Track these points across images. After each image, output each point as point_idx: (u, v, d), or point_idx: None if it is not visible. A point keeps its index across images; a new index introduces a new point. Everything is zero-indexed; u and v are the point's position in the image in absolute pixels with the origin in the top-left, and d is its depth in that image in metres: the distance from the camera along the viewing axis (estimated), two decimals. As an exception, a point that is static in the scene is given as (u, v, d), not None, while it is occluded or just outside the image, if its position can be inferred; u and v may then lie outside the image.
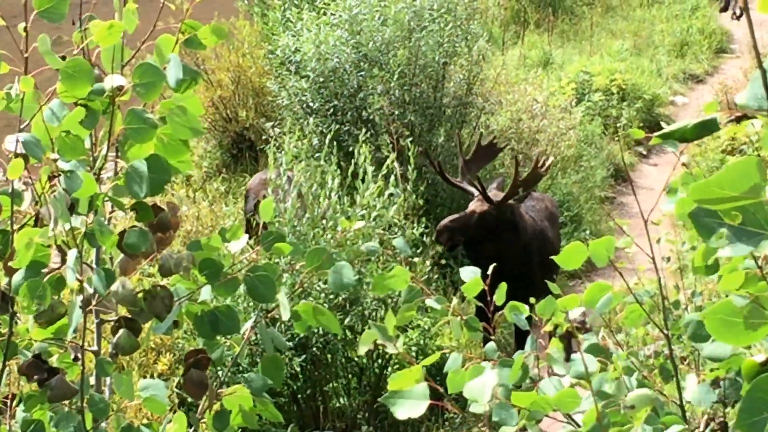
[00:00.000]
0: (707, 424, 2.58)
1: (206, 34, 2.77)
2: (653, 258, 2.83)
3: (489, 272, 2.84)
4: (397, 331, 2.65)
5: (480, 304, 2.81)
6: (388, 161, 8.42)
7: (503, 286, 2.77)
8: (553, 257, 2.75)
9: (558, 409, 2.42)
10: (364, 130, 10.29)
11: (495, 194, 7.68)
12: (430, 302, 2.81)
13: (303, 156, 8.32)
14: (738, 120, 1.91)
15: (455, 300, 2.84)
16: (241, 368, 6.61)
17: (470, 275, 2.79)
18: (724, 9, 22.69)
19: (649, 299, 2.94)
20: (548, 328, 2.63)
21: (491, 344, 2.75)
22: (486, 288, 2.78)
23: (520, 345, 7.01)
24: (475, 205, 7.65)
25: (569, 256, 2.62)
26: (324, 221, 7.72)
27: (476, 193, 7.74)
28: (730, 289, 2.07)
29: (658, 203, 2.81)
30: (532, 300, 2.72)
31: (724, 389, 2.64)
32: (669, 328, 2.84)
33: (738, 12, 22.47)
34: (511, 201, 7.57)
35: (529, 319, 2.82)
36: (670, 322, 2.90)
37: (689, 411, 2.78)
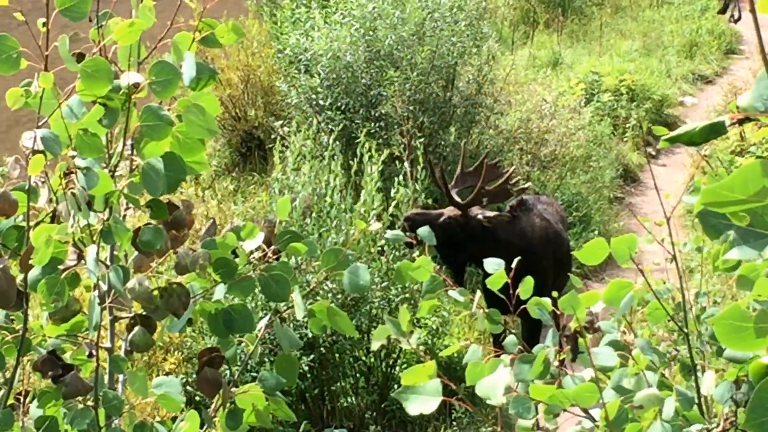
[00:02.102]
0: (727, 422, 2.58)
1: (224, 32, 2.77)
2: (674, 256, 2.84)
3: (513, 266, 2.86)
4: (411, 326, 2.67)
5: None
6: (387, 153, 8.42)
7: (529, 281, 2.78)
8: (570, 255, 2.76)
9: (576, 403, 2.42)
10: (373, 124, 10.31)
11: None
12: (453, 294, 2.82)
13: (308, 155, 8.32)
14: (741, 122, 1.91)
15: (478, 293, 2.83)
16: (249, 367, 6.62)
17: (494, 268, 2.81)
18: (723, 11, 22.64)
19: (663, 299, 2.95)
20: (573, 324, 2.63)
21: (511, 338, 2.76)
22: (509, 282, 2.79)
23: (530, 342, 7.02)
24: (448, 210, 7.63)
25: (591, 252, 2.62)
26: (329, 221, 7.73)
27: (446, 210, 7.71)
28: (761, 296, 2.07)
29: (668, 203, 2.82)
30: (554, 294, 2.73)
31: (735, 390, 2.64)
32: (688, 326, 2.85)
33: (736, 15, 22.44)
34: (481, 218, 7.54)
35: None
36: (688, 321, 2.90)
37: (706, 408, 2.78)
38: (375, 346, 2.69)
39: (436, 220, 7.45)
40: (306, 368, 7.44)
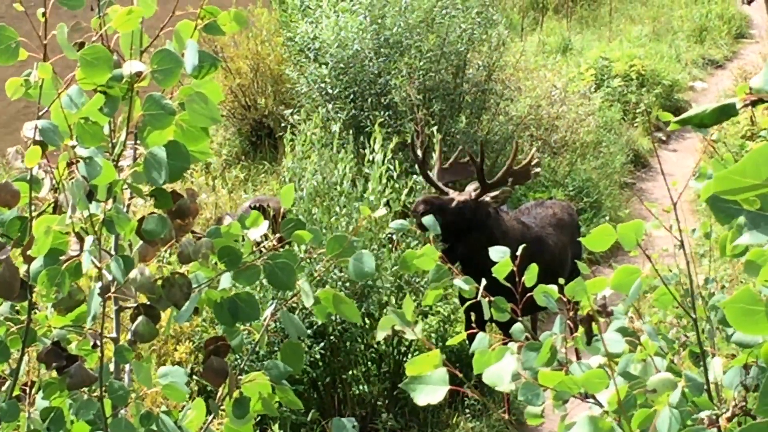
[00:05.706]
0: (736, 407, 2.56)
1: (226, 20, 2.75)
2: (681, 242, 2.82)
3: (518, 253, 2.84)
4: (416, 317, 2.64)
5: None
6: (397, 142, 8.37)
7: (534, 268, 2.76)
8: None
9: (585, 389, 2.40)
10: (382, 113, 10.28)
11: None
12: (458, 282, 2.80)
13: (317, 144, 8.29)
14: (754, 104, 1.89)
15: (484, 281, 2.81)
16: (258, 356, 6.62)
17: (500, 256, 2.79)
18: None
19: (671, 284, 2.92)
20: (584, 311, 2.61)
21: (518, 325, 2.74)
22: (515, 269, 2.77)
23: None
24: (457, 195, 7.59)
25: (597, 239, 2.59)
26: (338, 209, 7.71)
27: (451, 192, 7.68)
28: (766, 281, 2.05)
29: (680, 189, 2.79)
30: (561, 281, 2.70)
31: (744, 375, 2.62)
32: (696, 311, 2.82)
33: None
34: (489, 200, 7.53)
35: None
36: (696, 307, 2.88)
37: (715, 394, 2.76)
38: (379, 336, 2.66)
39: (449, 204, 7.44)
40: (317, 356, 7.43)
